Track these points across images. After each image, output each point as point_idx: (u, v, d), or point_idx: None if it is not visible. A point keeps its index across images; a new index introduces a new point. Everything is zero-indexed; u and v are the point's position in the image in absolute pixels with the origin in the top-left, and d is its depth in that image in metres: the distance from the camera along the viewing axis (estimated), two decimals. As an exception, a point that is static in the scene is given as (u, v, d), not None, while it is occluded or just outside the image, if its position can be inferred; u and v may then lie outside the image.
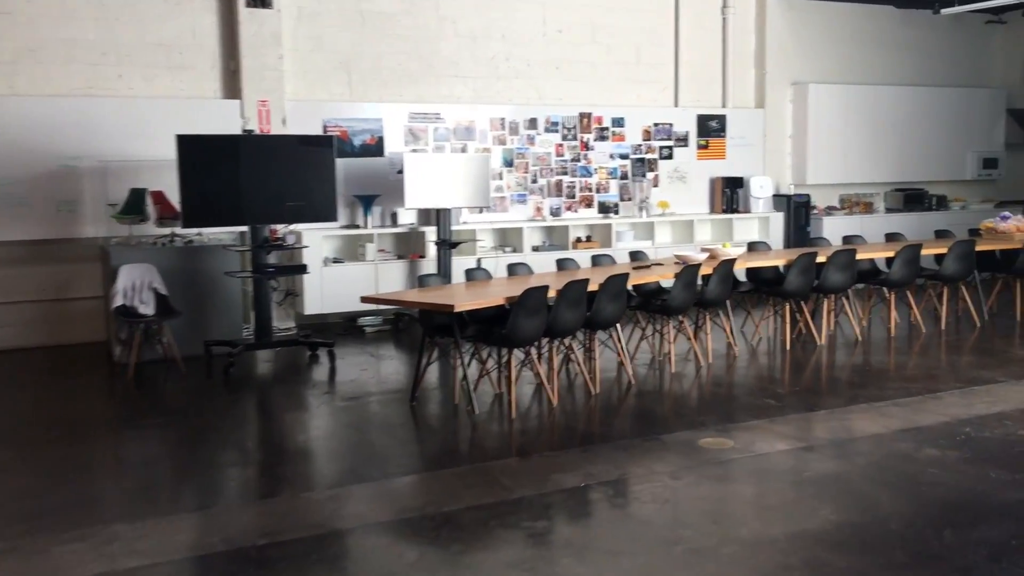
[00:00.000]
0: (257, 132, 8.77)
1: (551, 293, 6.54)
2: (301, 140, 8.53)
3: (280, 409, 7.08)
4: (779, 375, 7.71)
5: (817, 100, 11.86)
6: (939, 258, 9.25)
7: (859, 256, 8.75)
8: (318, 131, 9.38)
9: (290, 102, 9.30)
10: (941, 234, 10.58)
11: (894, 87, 12.39)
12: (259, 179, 7.86)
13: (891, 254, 8.99)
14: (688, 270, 7.58)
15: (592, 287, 6.79)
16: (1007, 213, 10.06)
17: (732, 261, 8.09)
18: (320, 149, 8.30)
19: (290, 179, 7.98)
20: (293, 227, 8.58)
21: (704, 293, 7.87)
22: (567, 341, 7.15)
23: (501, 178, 10.28)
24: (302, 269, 8.61)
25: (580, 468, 5.29)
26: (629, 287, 7.31)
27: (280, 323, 9.11)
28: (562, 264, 8.29)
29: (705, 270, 7.86)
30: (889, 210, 12.55)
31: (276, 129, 9.13)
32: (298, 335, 8.76)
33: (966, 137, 12.83)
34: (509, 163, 10.33)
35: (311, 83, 9.54)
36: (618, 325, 7.36)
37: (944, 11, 11.71)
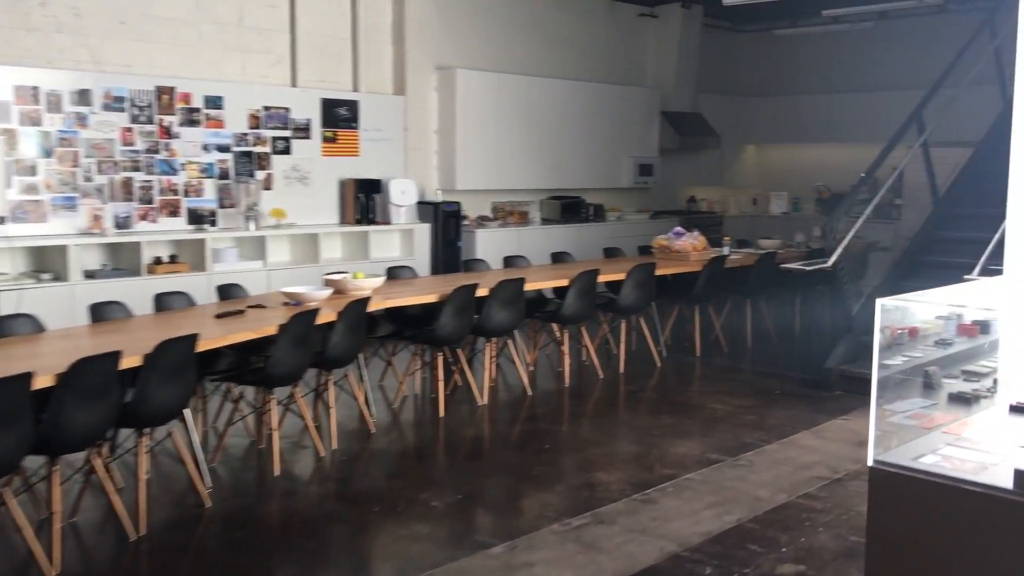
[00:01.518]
0: None
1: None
2: None
3: None
4: (430, 470, 5.47)
5: (466, 89, 9.89)
6: (615, 284, 7.59)
7: (527, 286, 6.80)
8: None
9: None
10: (611, 253, 9.03)
11: (550, 79, 10.79)
12: None
13: (565, 282, 7.15)
14: (298, 321, 5.09)
15: (132, 359, 4.10)
16: (680, 229, 8.69)
17: (365, 302, 5.73)
18: None
19: None
20: None
21: (326, 349, 5.44)
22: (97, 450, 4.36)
23: (35, 173, 7.12)
24: None
25: None
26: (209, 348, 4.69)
27: None
28: (102, 312, 5.39)
29: (327, 316, 5.43)
30: (546, 221, 10.96)
31: None
32: None
33: (622, 141, 11.59)
34: (48, 152, 7.19)
35: None
36: (187, 412, 4.70)
37: (603, -5, 10.27)
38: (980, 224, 7.66)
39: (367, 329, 5.94)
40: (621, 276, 7.50)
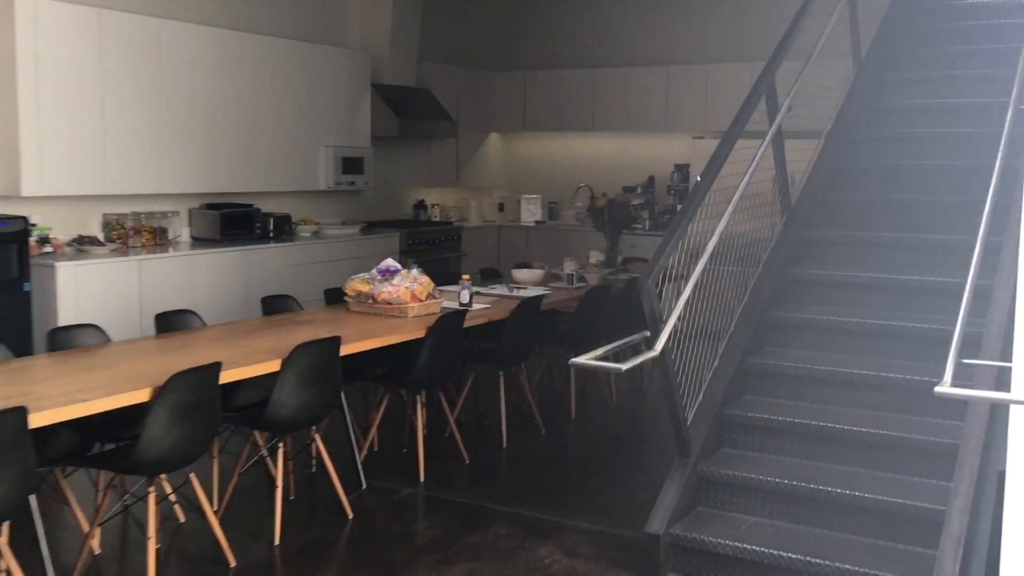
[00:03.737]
0: None
1: None
2: None
3: None
4: None
5: (37, 25, 5.95)
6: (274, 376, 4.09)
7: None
8: None
9: None
10: (273, 306, 5.46)
11: (195, 26, 7.03)
12: None
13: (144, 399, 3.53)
14: None
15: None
16: (392, 263, 5.29)
17: None
18: None
19: None
20: None
21: None
22: None
23: None
24: None
25: None
26: None
27: None
28: None
29: None
30: (198, 241, 7.24)
31: None
32: None
33: (317, 124, 8.07)
34: None
35: None
36: None
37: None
38: (861, 256, 4.84)
39: None
40: (276, 366, 4.01)
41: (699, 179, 3.95)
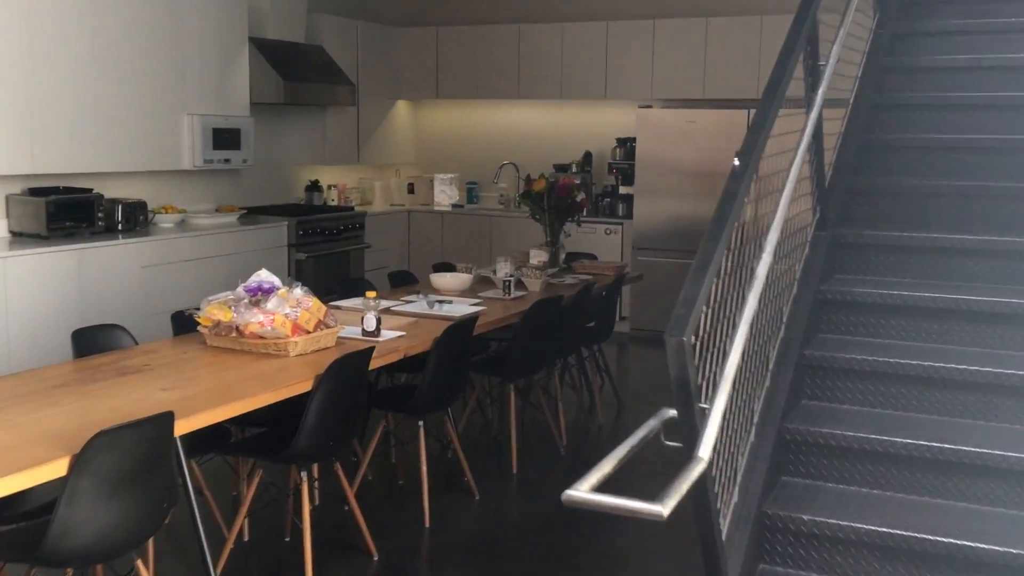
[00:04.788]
0: None
1: None
2: None
3: None
4: None
5: None
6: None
7: None
8: None
9: None
10: (92, 342, 3.81)
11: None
12: None
13: None
14: None
15: None
16: (267, 278, 3.72)
17: None
18: None
19: None
20: None
21: None
22: None
23: None
24: None
25: None
26: None
27: None
28: None
29: None
30: (17, 237, 5.53)
31: None
32: None
33: (179, 87, 6.37)
34: None
35: None
36: None
37: None
38: (921, 266, 3.52)
39: None
40: (50, 472, 2.45)
41: (736, 164, 2.52)
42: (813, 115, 3.04)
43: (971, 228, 3.56)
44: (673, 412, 2.25)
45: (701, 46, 7.61)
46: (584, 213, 5.98)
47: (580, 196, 5.72)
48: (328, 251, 7.34)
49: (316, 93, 7.39)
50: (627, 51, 7.84)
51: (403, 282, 5.46)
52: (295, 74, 7.17)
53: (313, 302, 3.64)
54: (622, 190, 7.99)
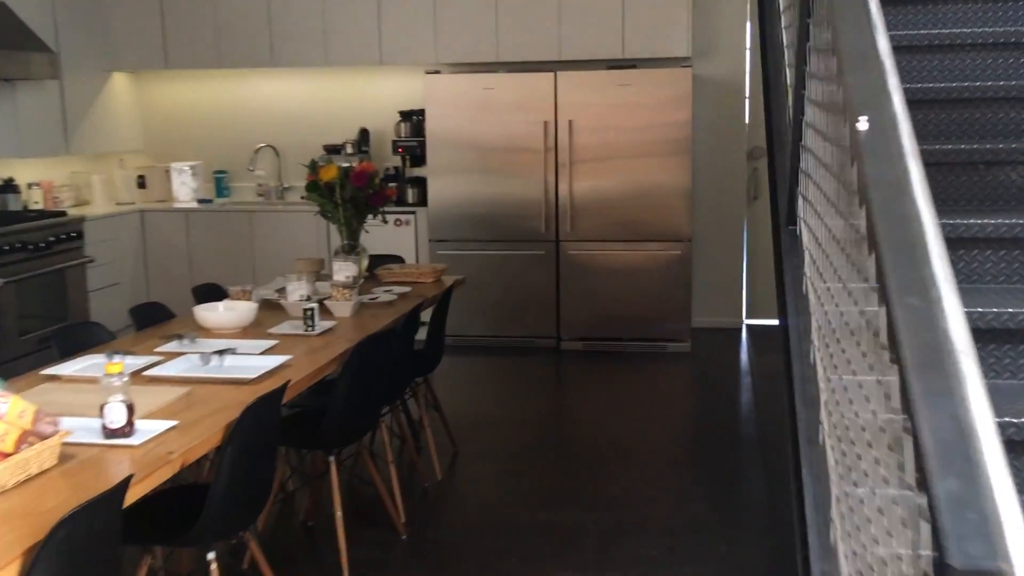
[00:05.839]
0: None
1: None
2: None
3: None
4: None
5: None
6: None
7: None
8: None
9: None
10: None
11: None
12: None
13: None
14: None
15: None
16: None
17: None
18: None
19: None
20: None
21: None
22: None
23: None
24: None
25: None
26: None
27: None
28: None
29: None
30: None
31: None
32: None
33: None
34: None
35: None
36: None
37: None
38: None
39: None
40: None
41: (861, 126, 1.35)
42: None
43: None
44: None
45: (491, 1, 6.45)
46: (387, 204, 4.64)
47: (386, 185, 4.39)
48: (33, 272, 5.53)
49: (2, 65, 5.50)
50: (404, 6, 6.53)
51: (152, 319, 3.89)
52: (-34, 36, 5.26)
53: (11, 403, 2.11)
54: (411, 172, 6.70)
